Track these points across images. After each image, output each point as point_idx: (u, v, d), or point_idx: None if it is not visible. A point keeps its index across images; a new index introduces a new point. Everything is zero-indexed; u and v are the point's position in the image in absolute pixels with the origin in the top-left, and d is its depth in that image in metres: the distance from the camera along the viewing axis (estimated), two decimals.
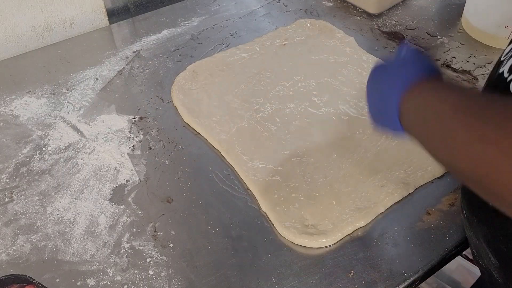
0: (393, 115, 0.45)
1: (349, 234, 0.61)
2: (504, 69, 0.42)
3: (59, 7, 0.93)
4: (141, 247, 0.60)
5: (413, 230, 0.62)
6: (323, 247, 0.60)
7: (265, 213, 0.63)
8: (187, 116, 0.76)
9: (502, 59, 0.45)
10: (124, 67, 0.87)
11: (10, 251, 0.59)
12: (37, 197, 0.66)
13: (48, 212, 0.64)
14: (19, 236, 0.61)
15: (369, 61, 0.86)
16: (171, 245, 0.60)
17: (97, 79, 0.84)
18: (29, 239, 0.60)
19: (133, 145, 0.73)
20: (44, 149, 0.72)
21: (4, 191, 0.66)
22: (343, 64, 0.86)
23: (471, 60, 0.88)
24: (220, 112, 0.76)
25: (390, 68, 0.50)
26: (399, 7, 1.03)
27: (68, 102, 0.80)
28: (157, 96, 0.81)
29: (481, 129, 0.32)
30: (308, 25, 0.95)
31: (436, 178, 0.68)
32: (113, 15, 1.00)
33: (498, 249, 0.45)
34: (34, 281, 0.50)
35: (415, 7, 1.03)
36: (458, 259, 1.03)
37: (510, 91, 0.40)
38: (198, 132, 0.74)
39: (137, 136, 0.74)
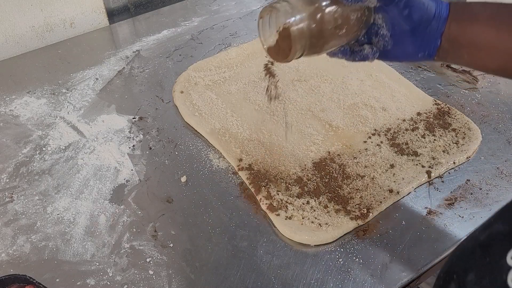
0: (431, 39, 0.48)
1: (349, 232, 0.61)
2: None
3: (59, 7, 0.93)
4: (141, 247, 0.60)
5: (413, 229, 0.62)
6: (323, 245, 0.60)
7: (265, 212, 0.63)
8: (188, 116, 0.76)
9: None
10: (124, 67, 0.87)
11: (10, 251, 0.59)
12: (37, 197, 0.66)
13: (48, 212, 0.64)
14: (19, 236, 0.61)
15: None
16: (171, 245, 0.60)
17: (97, 79, 0.84)
18: (29, 239, 0.60)
19: (133, 145, 0.73)
20: (44, 149, 0.72)
21: (4, 191, 0.66)
22: (343, 64, 0.86)
23: None
24: (221, 112, 0.76)
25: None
26: None
27: (68, 102, 0.80)
28: (157, 96, 0.81)
29: None
30: None
31: (436, 177, 0.68)
32: (113, 15, 1.00)
33: None
34: (34, 281, 0.50)
35: None
36: None
37: None
38: (198, 132, 0.74)
39: (137, 136, 0.74)
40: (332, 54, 0.51)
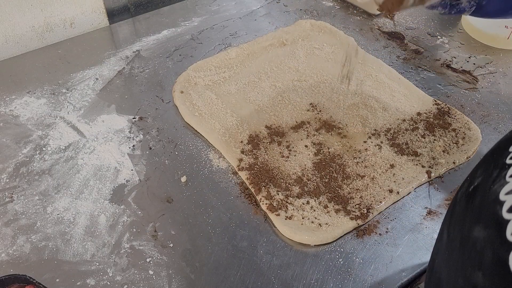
0: None
1: (349, 232, 0.61)
2: None
3: (59, 7, 0.93)
4: (141, 247, 0.60)
5: (413, 229, 0.62)
6: (323, 245, 0.60)
7: (265, 212, 0.63)
8: (188, 116, 0.76)
9: None
10: (124, 67, 0.87)
11: (10, 251, 0.59)
12: (37, 197, 0.66)
13: (48, 212, 0.64)
14: (19, 236, 0.61)
15: (368, 61, 0.86)
16: (171, 245, 0.60)
17: (97, 79, 0.84)
18: (29, 239, 0.60)
19: (133, 145, 0.73)
20: (44, 149, 0.72)
21: (4, 191, 0.66)
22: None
23: (471, 60, 0.88)
24: (221, 112, 0.76)
25: None
26: None
27: (68, 102, 0.80)
28: (157, 96, 0.81)
29: None
30: (308, 25, 0.95)
31: (436, 177, 0.68)
32: (113, 15, 1.00)
33: None
34: (34, 281, 0.50)
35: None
36: None
37: None
38: (198, 132, 0.74)
39: (137, 136, 0.74)
40: (432, 7, 0.54)
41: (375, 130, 0.74)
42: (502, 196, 0.30)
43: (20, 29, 0.90)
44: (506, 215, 0.28)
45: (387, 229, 0.62)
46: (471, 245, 0.30)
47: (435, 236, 0.61)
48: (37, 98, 0.81)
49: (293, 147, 0.71)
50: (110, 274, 0.57)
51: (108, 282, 0.56)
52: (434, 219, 0.63)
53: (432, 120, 0.75)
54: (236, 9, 1.02)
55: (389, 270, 0.57)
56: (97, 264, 0.58)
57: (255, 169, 0.67)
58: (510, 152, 0.33)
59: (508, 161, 0.32)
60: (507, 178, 0.31)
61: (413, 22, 0.98)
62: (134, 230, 0.62)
